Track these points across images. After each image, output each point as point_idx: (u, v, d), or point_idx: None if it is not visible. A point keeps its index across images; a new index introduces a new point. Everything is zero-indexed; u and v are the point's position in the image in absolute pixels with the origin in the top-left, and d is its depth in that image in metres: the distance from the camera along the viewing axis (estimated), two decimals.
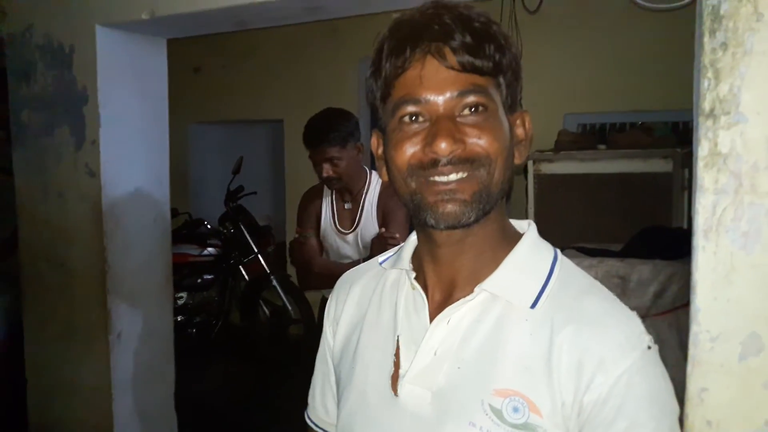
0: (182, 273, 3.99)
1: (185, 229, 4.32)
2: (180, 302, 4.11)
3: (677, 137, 3.30)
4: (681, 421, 0.68)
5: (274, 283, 4.15)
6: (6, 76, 2.37)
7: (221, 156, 5.38)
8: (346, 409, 0.81)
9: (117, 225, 2.28)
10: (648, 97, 3.59)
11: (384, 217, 2.14)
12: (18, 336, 2.45)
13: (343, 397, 0.82)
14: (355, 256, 2.18)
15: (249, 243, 4.27)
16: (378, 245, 2.04)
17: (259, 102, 4.80)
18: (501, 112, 0.71)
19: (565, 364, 0.66)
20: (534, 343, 0.68)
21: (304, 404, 0.96)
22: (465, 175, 0.68)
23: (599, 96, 3.72)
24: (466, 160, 0.68)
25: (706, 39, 0.92)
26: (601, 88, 3.68)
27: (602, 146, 3.30)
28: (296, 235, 2.29)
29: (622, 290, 2.23)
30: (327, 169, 2.12)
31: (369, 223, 2.17)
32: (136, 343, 2.37)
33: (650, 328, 0.72)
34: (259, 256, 4.25)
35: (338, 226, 2.23)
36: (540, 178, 3.19)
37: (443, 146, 0.66)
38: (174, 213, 2.71)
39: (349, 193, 2.22)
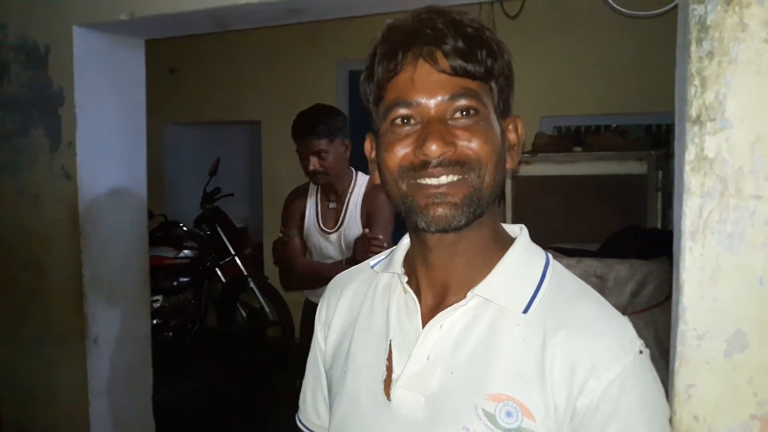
0: (158, 276, 3.92)
1: (161, 231, 4.25)
2: (156, 305, 4.04)
3: (651, 140, 3.39)
4: (669, 418, 0.70)
5: (252, 285, 4.12)
6: None
7: (197, 157, 5.31)
8: (338, 414, 0.80)
9: (93, 228, 2.24)
10: (622, 100, 3.67)
11: (368, 217, 2.14)
12: None
13: (336, 402, 0.82)
14: (338, 257, 2.17)
15: (226, 245, 4.23)
16: (361, 245, 2.04)
17: (236, 103, 4.76)
18: (493, 116, 0.71)
19: (558, 368, 0.67)
20: (527, 348, 0.69)
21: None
22: (456, 178, 0.69)
23: (574, 99, 3.78)
24: (456, 163, 0.68)
25: (693, 48, 0.95)
26: (576, 91, 3.75)
27: (578, 148, 3.36)
28: (279, 235, 2.27)
29: (600, 289, 2.26)
30: (313, 162, 2.11)
31: (353, 223, 2.16)
32: (113, 347, 2.33)
33: None
34: (236, 258, 4.21)
35: (322, 225, 2.22)
36: (517, 179, 3.23)
37: (434, 148, 0.67)
38: (149, 215, 2.67)
39: (334, 193, 2.21)
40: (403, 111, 0.70)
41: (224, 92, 4.75)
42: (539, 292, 0.72)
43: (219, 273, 4.28)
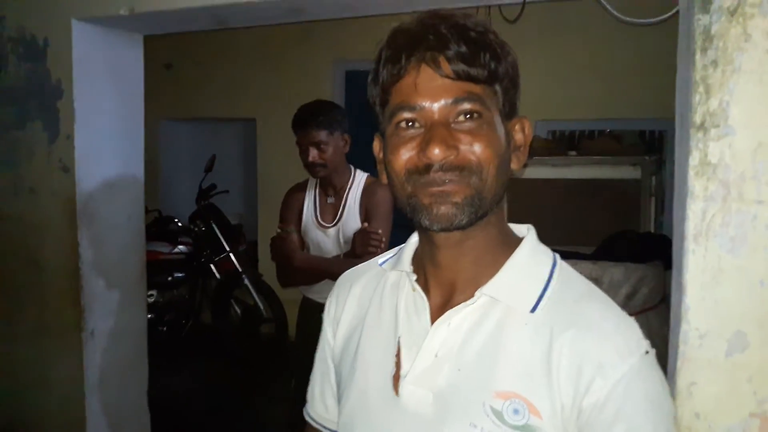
0: (152, 271, 3.90)
1: (155, 226, 4.24)
2: (150, 300, 4.03)
3: (645, 146, 3.42)
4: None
5: (246, 281, 4.12)
6: None
7: (192, 153, 5.29)
8: (347, 409, 0.81)
9: (91, 221, 2.24)
10: (617, 105, 3.70)
11: (367, 212, 2.15)
12: None
13: (344, 397, 0.83)
14: (336, 252, 2.17)
15: (220, 241, 4.22)
16: (360, 240, 2.04)
17: (231, 100, 4.75)
18: (497, 119, 0.72)
19: (565, 367, 0.68)
20: (534, 347, 0.70)
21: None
22: (457, 179, 0.70)
23: (569, 104, 3.82)
24: (457, 167, 0.69)
25: (697, 56, 0.98)
26: (571, 96, 3.78)
27: (573, 153, 3.39)
28: (278, 231, 2.28)
29: None
30: (313, 154, 2.12)
31: (351, 218, 2.17)
32: (110, 340, 2.33)
33: None
34: (231, 254, 4.21)
35: (320, 219, 2.23)
36: (512, 182, 3.25)
37: (436, 152, 0.68)
38: (144, 210, 2.68)
39: (333, 188, 2.22)
40: (407, 114, 0.71)
41: (220, 89, 4.74)
42: (547, 292, 0.73)
43: (213, 269, 4.27)
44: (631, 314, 0.73)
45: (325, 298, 2.52)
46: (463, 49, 0.68)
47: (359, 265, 0.94)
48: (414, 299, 0.79)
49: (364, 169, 2.26)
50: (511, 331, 0.72)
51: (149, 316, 3.89)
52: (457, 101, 0.69)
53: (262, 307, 4.10)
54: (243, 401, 3.62)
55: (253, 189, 4.94)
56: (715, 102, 0.97)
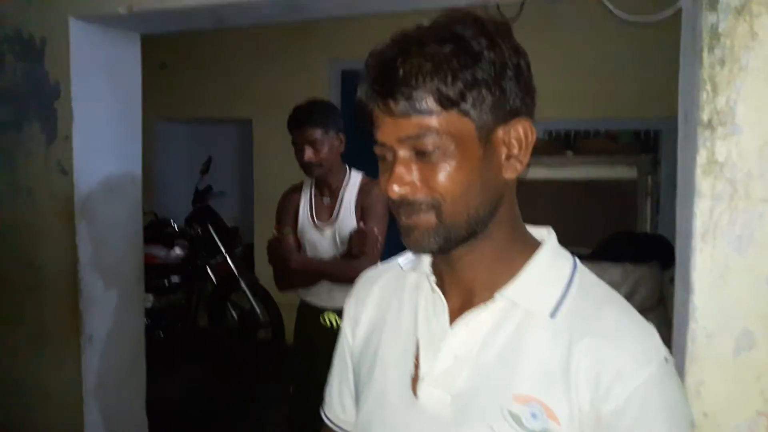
0: (149, 274, 3.87)
1: (151, 229, 4.21)
2: (147, 305, 4.00)
3: (640, 145, 3.45)
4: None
5: (243, 285, 4.10)
6: None
7: (187, 155, 5.27)
8: (365, 408, 0.81)
9: (89, 224, 2.22)
10: (612, 105, 3.72)
11: (363, 212, 2.14)
12: None
13: (362, 397, 0.83)
14: (332, 252, 2.17)
15: (217, 244, 4.20)
16: (356, 239, 2.04)
17: (227, 101, 4.74)
18: (469, 141, 0.69)
19: (584, 373, 0.68)
20: (553, 352, 0.70)
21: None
22: (420, 213, 0.71)
23: (566, 103, 3.83)
24: (415, 202, 0.70)
25: (704, 54, 0.98)
26: (567, 95, 3.78)
27: (569, 152, 3.41)
28: (274, 233, 2.27)
29: None
30: (308, 153, 2.11)
31: (347, 218, 2.16)
32: (108, 345, 2.31)
33: None
34: (228, 257, 4.19)
35: (316, 220, 2.22)
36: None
37: (394, 188, 0.70)
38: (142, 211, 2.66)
39: (328, 188, 2.22)
40: (378, 148, 0.73)
41: (215, 89, 4.72)
42: (566, 297, 0.73)
43: (210, 273, 4.25)
44: None
45: (323, 301, 2.47)
46: (411, 87, 0.66)
47: (379, 266, 0.93)
48: (433, 300, 0.79)
49: (360, 169, 2.26)
50: (530, 335, 0.72)
51: (146, 320, 3.89)
52: (410, 139, 0.69)
53: (258, 311, 4.08)
54: (240, 406, 3.60)
55: (249, 191, 4.92)
56: (723, 100, 0.97)
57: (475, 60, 0.67)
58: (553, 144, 3.54)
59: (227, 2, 1.87)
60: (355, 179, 2.22)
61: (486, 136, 0.70)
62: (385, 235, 2.11)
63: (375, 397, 0.80)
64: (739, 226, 0.98)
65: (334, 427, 0.93)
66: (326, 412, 0.95)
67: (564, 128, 4.01)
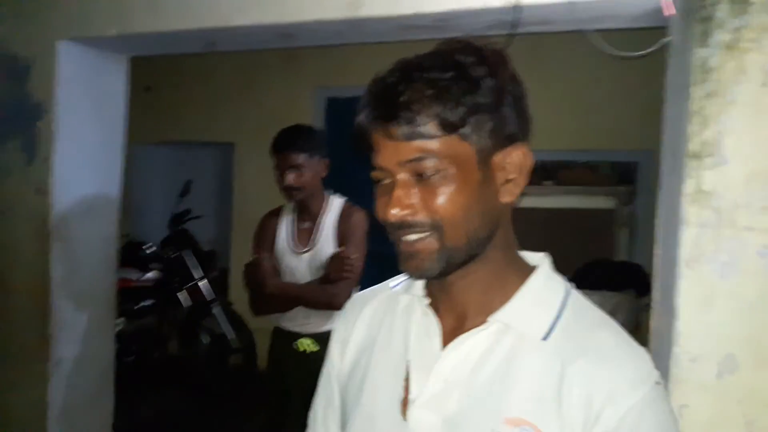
0: (120, 298, 3.80)
1: (125, 251, 4.13)
2: (117, 329, 3.90)
3: (618, 177, 3.53)
4: None
5: (215, 310, 4.03)
6: None
7: (164, 177, 5.20)
8: None
9: (64, 246, 2.17)
10: (591, 137, 3.80)
11: (342, 236, 2.14)
12: None
13: (350, 420, 0.81)
14: (308, 278, 2.14)
15: (190, 268, 4.13)
16: (334, 265, 2.03)
17: (210, 124, 4.71)
18: (469, 164, 0.71)
19: (576, 396, 0.68)
20: (545, 375, 0.70)
21: None
22: (422, 236, 0.71)
23: (545, 134, 3.90)
24: (417, 225, 0.71)
25: (694, 88, 1.02)
26: (547, 127, 3.86)
27: (548, 182, 3.47)
28: (252, 257, 2.24)
29: None
30: (290, 178, 2.10)
31: (326, 244, 2.15)
32: (76, 370, 2.24)
33: None
34: (202, 282, 4.11)
35: (294, 245, 2.21)
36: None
37: (393, 212, 0.70)
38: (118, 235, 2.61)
39: (308, 213, 2.21)
40: (377, 172, 0.74)
41: (198, 113, 4.69)
42: (559, 320, 0.73)
43: (182, 297, 4.17)
44: None
45: (299, 327, 2.43)
46: (413, 111, 0.68)
47: (371, 288, 0.92)
48: (426, 323, 0.79)
49: (344, 195, 2.26)
50: (522, 358, 0.72)
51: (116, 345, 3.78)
52: (410, 162, 0.70)
53: (231, 336, 4.01)
54: None
55: (226, 215, 4.86)
56: (711, 132, 1.01)
57: (476, 86, 0.69)
58: (533, 174, 3.60)
59: (219, 26, 1.87)
60: (335, 205, 2.22)
61: (485, 161, 0.71)
62: (364, 261, 2.10)
63: (363, 420, 0.79)
64: (724, 253, 1.01)
65: None
66: None
67: (543, 159, 4.09)
